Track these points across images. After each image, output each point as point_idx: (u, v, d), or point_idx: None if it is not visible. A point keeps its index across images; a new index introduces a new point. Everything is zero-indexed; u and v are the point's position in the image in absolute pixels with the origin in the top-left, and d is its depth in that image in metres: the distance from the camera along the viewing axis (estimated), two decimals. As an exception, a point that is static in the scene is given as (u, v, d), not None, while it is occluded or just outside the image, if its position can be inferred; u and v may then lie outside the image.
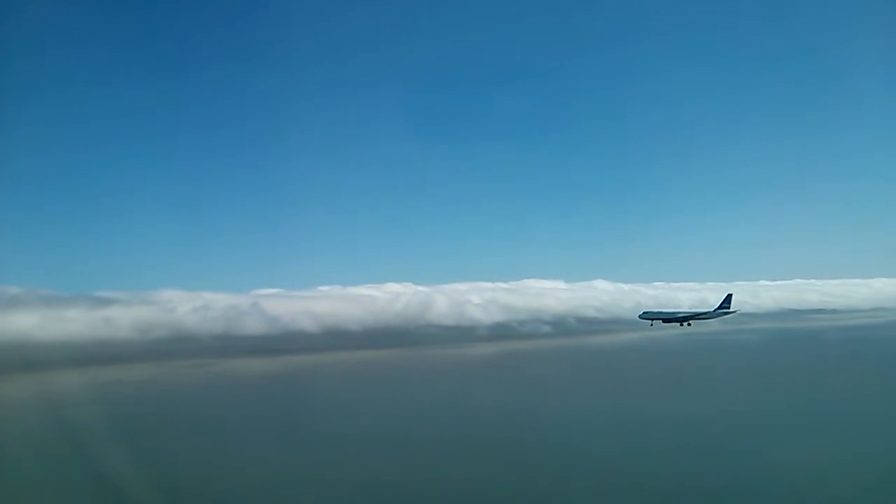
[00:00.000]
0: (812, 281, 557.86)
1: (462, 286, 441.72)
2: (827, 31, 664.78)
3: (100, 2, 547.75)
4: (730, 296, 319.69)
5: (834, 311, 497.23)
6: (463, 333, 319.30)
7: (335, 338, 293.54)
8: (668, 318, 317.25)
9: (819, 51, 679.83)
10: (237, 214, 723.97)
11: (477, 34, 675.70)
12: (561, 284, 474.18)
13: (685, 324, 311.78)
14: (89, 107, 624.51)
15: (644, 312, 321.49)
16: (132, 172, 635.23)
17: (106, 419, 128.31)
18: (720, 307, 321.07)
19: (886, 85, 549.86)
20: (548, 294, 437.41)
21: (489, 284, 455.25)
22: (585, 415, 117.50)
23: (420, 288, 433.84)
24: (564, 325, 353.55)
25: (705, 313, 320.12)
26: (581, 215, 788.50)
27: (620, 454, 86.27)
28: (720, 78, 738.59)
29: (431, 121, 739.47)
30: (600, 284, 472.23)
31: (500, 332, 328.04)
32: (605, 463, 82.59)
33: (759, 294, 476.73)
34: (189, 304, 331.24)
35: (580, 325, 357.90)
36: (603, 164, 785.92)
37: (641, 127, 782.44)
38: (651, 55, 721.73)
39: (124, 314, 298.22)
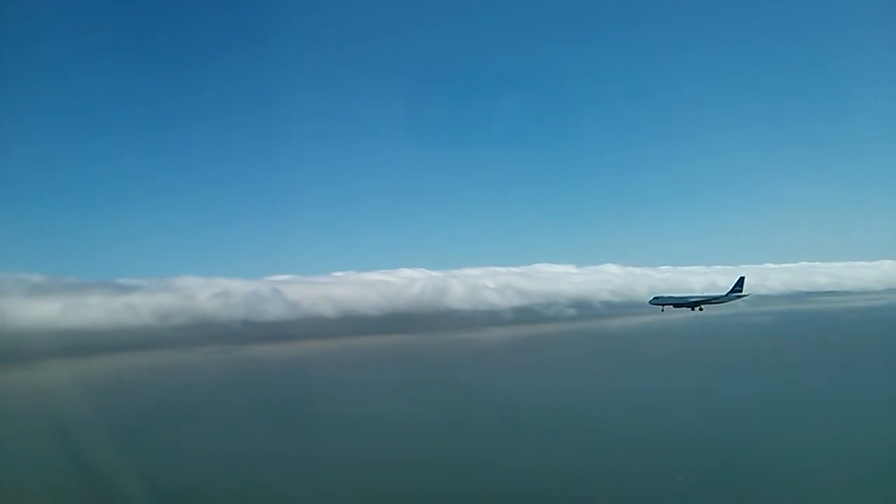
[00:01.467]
0: (817, 263, 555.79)
1: (475, 271, 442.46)
2: (829, 18, 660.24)
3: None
4: (742, 279, 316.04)
5: (846, 293, 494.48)
6: (483, 317, 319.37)
7: (354, 323, 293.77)
8: (680, 303, 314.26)
9: (820, 36, 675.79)
10: (248, 202, 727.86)
11: (486, 28, 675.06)
12: (572, 269, 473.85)
13: (697, 308, 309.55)
14: (105, 98, 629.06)
15: (655, 298, 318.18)
16: (147, 163, 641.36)
17: (130, 405, 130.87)
18: (732, 290, 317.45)
19: (891, 68, 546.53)
20: (561, 278, 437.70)
21: (502, 269, 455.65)
22: (612, 396, 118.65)
23: (434, 273, 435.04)
24: (582, 309, 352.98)
25: (717, 297, 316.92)
26: (587, 200, 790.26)
27: (648, 433, 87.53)
28: (722, 63, 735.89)
29: (441, 110, 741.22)
30: (610, 268, 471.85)
31: (522, 315, 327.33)
32: (633, 442, 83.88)
33: (768, 277, 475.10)
34: (207, 291, 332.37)
35: (596, 308, 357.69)
36: (608, 150, 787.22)
37: (644, 113, 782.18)
38: (655, 45, 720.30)
39: (145, 301, 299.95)
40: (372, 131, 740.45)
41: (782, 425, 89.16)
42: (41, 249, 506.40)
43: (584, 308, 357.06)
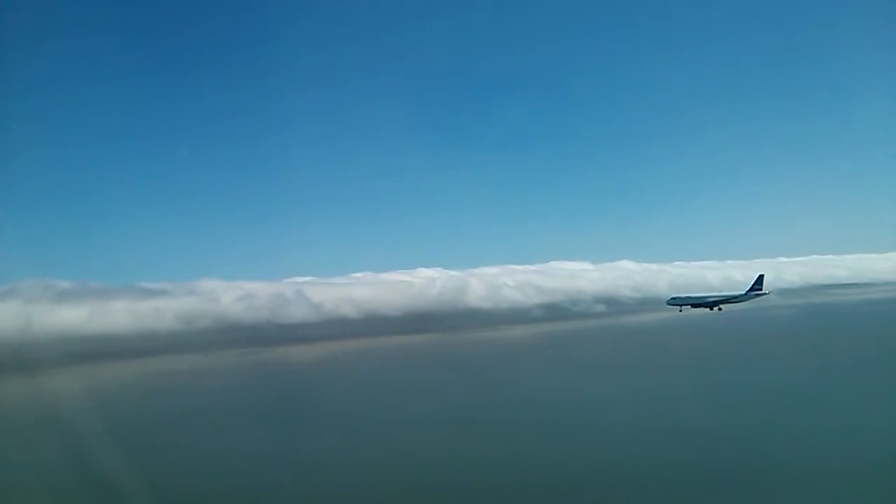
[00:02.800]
0: (830, 256, 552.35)
1: (492, 270, 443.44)
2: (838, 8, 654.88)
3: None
4: (761, 277, 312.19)
5: (866, 285, 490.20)
6: (506, 315, 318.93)
7: (377, 324, 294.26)
8: (698, 303, 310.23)
9: (827, 28, 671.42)
10: (264, 204, 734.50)
11: (495, 28, 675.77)
12: (588, 266, 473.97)
13: (716, 308, 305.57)
14: (125, 102, 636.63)
15: (672, 298, 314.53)
16: (165, 167, 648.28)
17: (157, 410, 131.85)
18: (752, 289, 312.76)
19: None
20: (579, 275, 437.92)
21: (518, 267, 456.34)
22: (646, 392, 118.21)
23: (452, 272, 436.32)
24: (607, 306, 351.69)
25: (736, 297, 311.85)
26: (598, 198, 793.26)
27: (687, 426, 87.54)
28: (729, 58, 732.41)
29: (454, 110, 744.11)
30: (627, 265, 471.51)
31: (549, 313, 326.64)
32: (676, 435, 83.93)
33: (784, 270, 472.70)
34: (230, 294, 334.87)
35: (620, 305, 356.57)
36: (617, 148, 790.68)
37: (653, 110, 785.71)
38: (661, 42, 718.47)
39: (169, 305, 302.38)
40: (385, 133, 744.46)
41: (821, 419, 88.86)
42: (67, 255, 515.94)
43: (609, 304, 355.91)
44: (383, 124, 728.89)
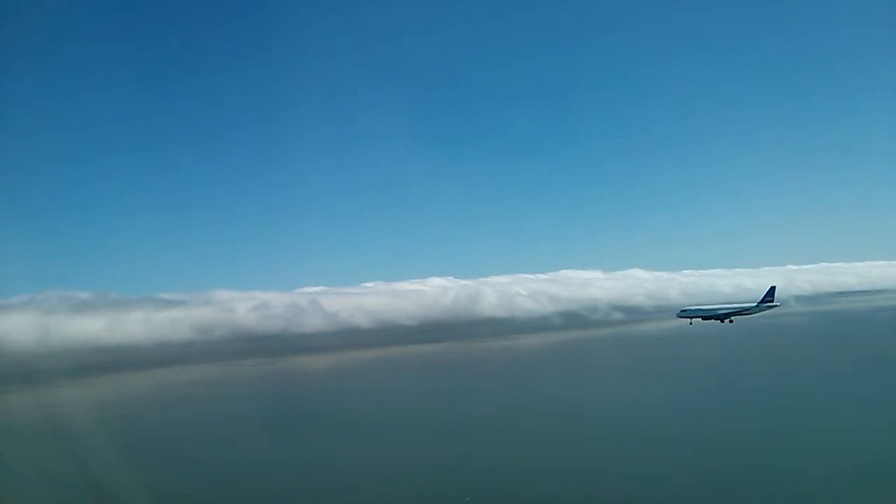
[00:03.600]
0: (838, 264, 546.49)
1: (503, 279, 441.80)
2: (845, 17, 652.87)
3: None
4: (773, 288, 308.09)
5: (879, 292, 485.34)
6: (521, 324, 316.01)
7: (392, 333, 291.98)
8: (708, 316, 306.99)
9: (835, 37, 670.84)
10: (275, 215, 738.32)
11: (506, 40, 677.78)
12: (599, 274, 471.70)
13: (727, 320, 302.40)
14: (135, 116, 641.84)
15: (682, 311, 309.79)
16: (177, 182, 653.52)
17: (177, 419, 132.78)
18: (763, 300, 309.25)
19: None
20: (591, 284, 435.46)
21: (530, 276, 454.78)
22: (673, 398, 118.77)
23: (463, 282, 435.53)
24: (622, 313, 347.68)
25: (748, 308, 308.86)
26: (607, 207, 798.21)
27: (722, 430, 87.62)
28: (739, 68, 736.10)
29: (464, 121, 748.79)
30: (638, 273, 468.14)
31: (566, 321, 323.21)
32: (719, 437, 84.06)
33: (794, 278, 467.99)
34: (244, 304, 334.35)
35: (635, 313, 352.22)
36: (627, 157, 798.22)
37: (661, 119, 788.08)
38: (668, 51, 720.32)
39: (186, 315, 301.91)
40: (396, 144, 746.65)
41: (848, 423, 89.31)
42: (85, 267, 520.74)
43: (625, 312, 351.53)
44: (394, 135, 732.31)
